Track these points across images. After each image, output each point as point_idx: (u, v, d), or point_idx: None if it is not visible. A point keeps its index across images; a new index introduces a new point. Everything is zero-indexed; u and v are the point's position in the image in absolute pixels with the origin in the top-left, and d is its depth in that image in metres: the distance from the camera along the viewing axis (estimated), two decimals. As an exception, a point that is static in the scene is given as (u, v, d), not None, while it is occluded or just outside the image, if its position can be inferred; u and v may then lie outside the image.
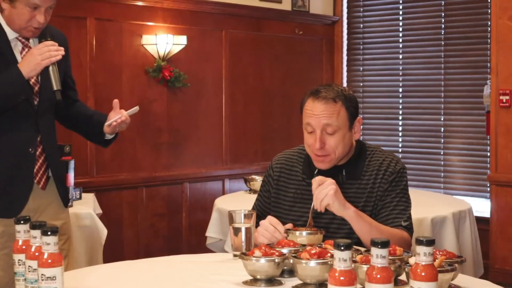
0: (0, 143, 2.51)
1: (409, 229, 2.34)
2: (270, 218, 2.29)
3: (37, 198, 2.58)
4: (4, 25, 2.51)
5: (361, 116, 2.46)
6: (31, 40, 2.57)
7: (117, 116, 2.62)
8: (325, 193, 2.15)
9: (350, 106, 2.33)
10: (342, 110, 2.31)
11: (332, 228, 2.32)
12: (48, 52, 2.45)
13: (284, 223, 2.28)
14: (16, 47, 2.54)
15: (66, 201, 2.70)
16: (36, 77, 2.54)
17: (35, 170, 2.57)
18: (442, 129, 5.88)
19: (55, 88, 2.47)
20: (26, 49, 2.55)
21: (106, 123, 2.65)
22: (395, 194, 2.36)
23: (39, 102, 2.56)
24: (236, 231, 2.25)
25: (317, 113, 2.30)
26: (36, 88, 2.55)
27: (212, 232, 3.93)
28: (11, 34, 2.52)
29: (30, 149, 2.55)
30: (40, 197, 2.59)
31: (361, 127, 2.45)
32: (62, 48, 2.50)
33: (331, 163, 2.35)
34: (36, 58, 2.43)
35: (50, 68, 2.47)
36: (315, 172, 2.41)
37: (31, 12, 2.46)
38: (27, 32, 2.52)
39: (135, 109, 2.67)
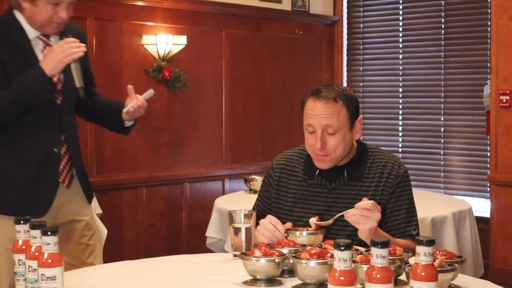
0: (25, 143, 2.51)
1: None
2: (270, 217, 2.29)
3: (60, 196, 2.58)
4: (25, 25, 2.50)
5: (362, 116, 2.45)
6: (51, 38, 2.56)
7: (133, 102, 2.64)
8: (365, 221, 2.11)
9: (351, 106, 2.33)
10: (343, 110, 2.30)
11: (334, 230, 2.32)
12: (70, 49, 2.43)
13: (284, 223, 2.28)
14: (37, 46, 2.54)
15: (90, 197, 2.70)
16: (58, 75, 2.52)
17: (59, 169, 2.57)
18: (442, 129, 5.88)
19: (77, 85, 2.46)
20: (48, 47, 2.53)
21: (124, 110, 2.66)
22: (402, 202, 2.36)
23: (62, 100, 2.56)
24: (236, 231, 2.25)
25: (318, 113, 2.30)
26: (59, 86, 2.55)
27: (212, 232, 3.93)
28: (32, 33, 2.52)
29: (55, 149, 2.55)
30: (63, 194, 2.59)
31: (362, 127, 2.44)
32: (83, 44, 2.49)
33: (331, 162, 2.35)
34: (58, 55, 2.42)
35: (72, 65, 2.46)
36: (317, 173, 2.41)
37: (53, 8, 2.45)
38: (50, 28, 2.50)
39: (150, 92, 2.69)
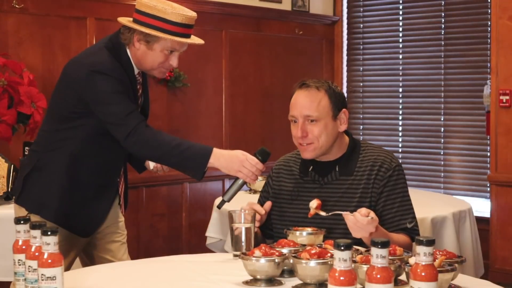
0: (97, 164, 2.58)
1: (416, 230, 2.37)
2: (249, 203, 2.40)
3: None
4: (131, 61, 2.55)
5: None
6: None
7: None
8: (357, 231, 2.11)
9: (333, 96, 2.37)
10: (324, 99, 2.35)
11: (329, 223, 2.34)
12: (252, 172, 2.42)
13: (283, 220, 2.42)
14: (136, 82, 2.61)
15: (125, 208, 2.84)
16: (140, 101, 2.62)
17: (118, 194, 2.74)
18: (442, 129, 5.87)
19: (225, 198, 2.46)
20: (138, 86, 2.60)
21: (150, 168, 2.79)
22: (396, 195, 2.37)
23: None
24: (236, 231, 2.25)
25: (300, 102, 2.37)
26: None
27: (212, 232, 3.94)
28: (135, 70, 2.58)
29: (118, 179, 2.70)
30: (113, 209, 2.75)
31: (347, 118, 2.45)
32: (259, 173, 2.45)
33: (315, 152, 2.38)
34: (240, 167, 2.42)
35: (240, 181, 2.45)
36: (310, 169, 2.45)
37: (166, 55, 2.51)
38: (158, 73, 2.57)
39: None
